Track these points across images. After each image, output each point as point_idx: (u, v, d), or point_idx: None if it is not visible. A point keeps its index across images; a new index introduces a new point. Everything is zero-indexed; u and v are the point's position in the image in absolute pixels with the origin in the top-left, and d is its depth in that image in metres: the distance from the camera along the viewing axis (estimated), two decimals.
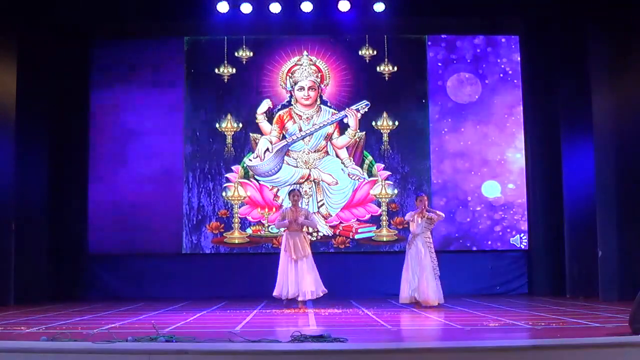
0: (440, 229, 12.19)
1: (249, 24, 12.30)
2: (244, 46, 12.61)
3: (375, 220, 12.37)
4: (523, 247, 12.40)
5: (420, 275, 9.28)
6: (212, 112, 12.54)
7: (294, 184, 12.29)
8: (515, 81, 12.66)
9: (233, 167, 12.43)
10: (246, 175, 12.39)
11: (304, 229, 9.76)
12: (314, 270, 9.52)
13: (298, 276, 9.40)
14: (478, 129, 12.57)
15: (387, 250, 12.29)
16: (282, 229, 9.88)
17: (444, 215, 9.77)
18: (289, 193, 10.04)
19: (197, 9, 12.06)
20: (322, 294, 9.53)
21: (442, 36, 12.76)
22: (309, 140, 12.47)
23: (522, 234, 12.39)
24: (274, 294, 9.57)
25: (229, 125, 12.48)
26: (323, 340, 5.08)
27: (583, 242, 10.92)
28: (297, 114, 12.52)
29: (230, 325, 6.87)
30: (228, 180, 12.40)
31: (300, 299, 9.38)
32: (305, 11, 12.04)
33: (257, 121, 12.49)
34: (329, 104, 12.57)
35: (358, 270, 12.15)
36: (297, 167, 12.41)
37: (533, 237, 12.30)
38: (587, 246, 10.68)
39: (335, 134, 12.50)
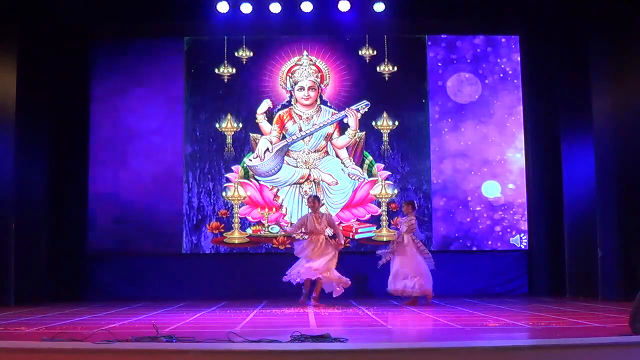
0: (440, 229, 12.21)
1: (249, 24, 12.29)
2: (244, 46, 12.61)
3: (375, 220, 12.37)
4: (523, 247, 12.39)
5: (418, 268, 9.83)
6: (212, 112, 12.54)
7: (294, 184, 12.30)
8: (515, 81, 12.65)
9: (233, 167, 12.42)
10: (246, 175, 12.39)
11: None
12: (329, 263, 9.76)
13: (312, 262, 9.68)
14: (478, 129, 12.57)
15: None
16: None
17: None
18: (307, 199, 10.51)
19: (197, 9, 12.07)
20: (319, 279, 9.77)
21: (442, 36, 12.75)
22: (309, 140, 12.47)
23: (522, 234, 12.39)
24: (284, 279, 9.82)
25: (229, 125, 12.47)
26: (323, 340, 5.08)
27: (583, 242, 10.91)
28: (297, 114, 12.52)
29: (230, 325, 6.86)
30: (228, 180, 12.39)
31: (310, 277, 9.65)
32: (305, 11, 12.05)
33: (257, 121, 12.49)
34: (329, 104, 12.56)
35: (358, 270, 12.12)
36: (297, 167, 12.40)
37: (533, 237, 12.29)
38: (587, 246, 10.67)
39: (335, 134, 12.50)
